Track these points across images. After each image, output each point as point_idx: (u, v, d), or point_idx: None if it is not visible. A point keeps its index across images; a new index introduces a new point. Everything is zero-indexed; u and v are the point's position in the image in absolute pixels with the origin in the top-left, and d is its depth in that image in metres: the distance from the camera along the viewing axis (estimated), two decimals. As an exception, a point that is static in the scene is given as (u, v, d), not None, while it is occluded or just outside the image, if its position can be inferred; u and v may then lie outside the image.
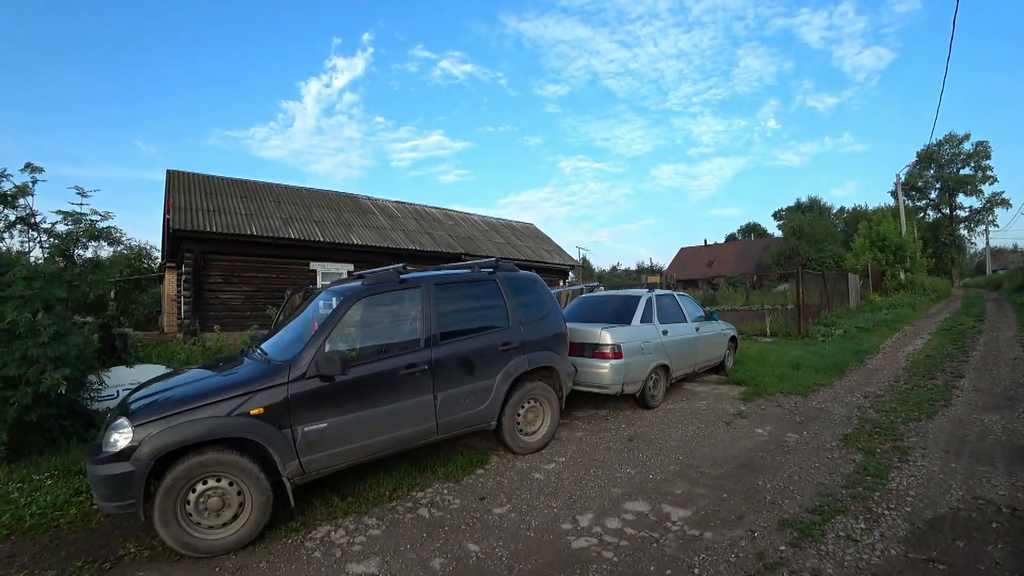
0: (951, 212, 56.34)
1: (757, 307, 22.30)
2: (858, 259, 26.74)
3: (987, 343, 10.46)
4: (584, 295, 7.74)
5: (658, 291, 7.30)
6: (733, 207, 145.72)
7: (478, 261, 5.36)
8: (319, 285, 11.69)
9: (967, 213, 56.29)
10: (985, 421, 5.65)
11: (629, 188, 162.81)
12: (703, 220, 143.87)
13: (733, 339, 8.90)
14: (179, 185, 18.53)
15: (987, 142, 52.71)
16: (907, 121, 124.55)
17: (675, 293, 7.67)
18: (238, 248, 16.40)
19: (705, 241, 57.22)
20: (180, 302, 16.37)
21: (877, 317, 15.00)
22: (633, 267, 58.66)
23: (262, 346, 4.51)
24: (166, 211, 16.71)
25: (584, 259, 62.87)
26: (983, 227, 56.71)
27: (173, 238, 16.08)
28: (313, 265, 17.85)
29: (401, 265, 4.85)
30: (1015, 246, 77.17)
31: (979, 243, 61.91)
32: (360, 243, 18.53)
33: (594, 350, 6.00)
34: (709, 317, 8.15)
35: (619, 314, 6.73)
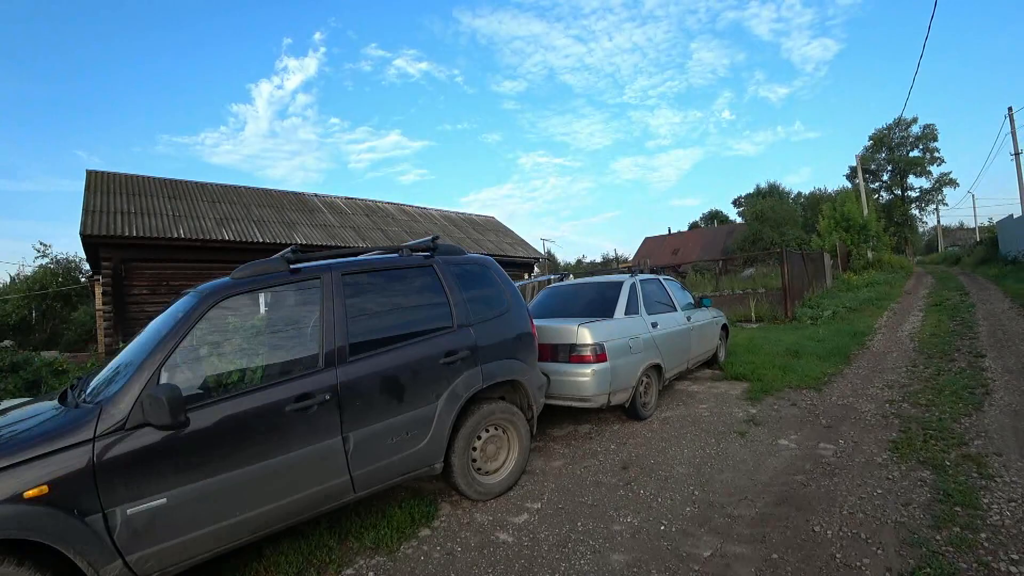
0: (903, 193, 57.73)
1: (728, 292, 21.59)
2: (825, 240, 26.41)
3: (986, 317, 9.68)
4: (553, 285, 6.47)
5: (641, 275, 6.08)
6: (693, 197, 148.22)
7: (410, 243, 4.01)
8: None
9: (918, 194, 57.87)
10: (1042, 411, 4.64)
11: (590, 182, 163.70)
12: (665, 211, 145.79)
13: (724, 327, 7.78)
14: (98, 186, 16.49)
15: (934, 125, 54.38)
16: (855, 108, 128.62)
17: (660, 277, 6.47)
18: (165, 254, 14.62)
19: (669, 230, 56.91)
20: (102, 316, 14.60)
21: (860, 296, 14.27)
22: (599, 259, 57.96)
23: (94, 379, 3.06)
24: (86, 216, 14.77)
25: (549, 253, 61.97)
26: (933, 206, 58.52)
27: (88, 245, 14.22)
28: (251, 270, 16.04)
29: (291, 248, 3.45)
30: (961, 224, 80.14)
31: (930, 222, 63.93)
32: (305, 243, 16.88)
33: (570, 353, 4.72)
34: (699, 304, 6.99)
35: (597, 306, 5.47)
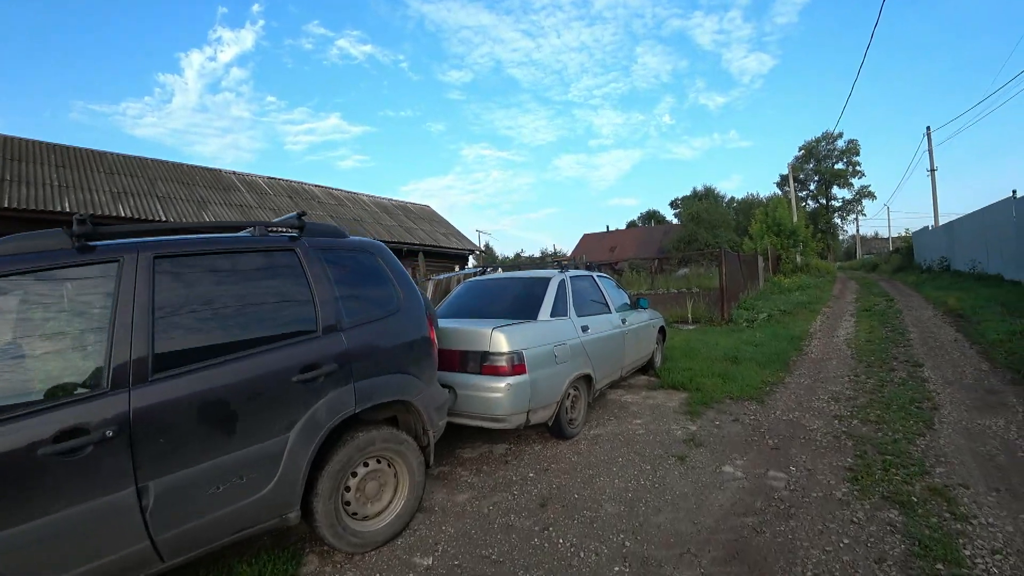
0: (827, 202, 61.05)
1: (664, 291, 21.51)
2: (757, 243, 27.00)
3: (915, 324, 9.67)
4: (472, 280, 5.62)
5: (573, 271, 5.33)
6: (632, 197, 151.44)
7: (271, 221, 3.05)
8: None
9: (840, 203, 61.32)
10: (993, 428, 4.28)
11: (532, 177, 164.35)
12: (604, 209, 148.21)
13: (662, 330, 7.21)
14: (-32, 151, 14.27)
15: (857, 140, 57.99)
16: (785, 121, 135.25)
17: (594, 274, 5.76)
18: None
19: (607, 227, 57.46)
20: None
21: (793, 299, 14.30)
22: (537, 254, 57.70)
23: None
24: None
25: (487, 245, 61.15)
26: (853, 216, 62.27)
27: (-54, 217, 12.10)
28: (151, 251, 14.35)
29: (83, 216, 2.42)
30: (876, 234, 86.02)
31: (849, 230, 68.00)
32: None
33: (482, 362, 3.89)
34: (636, 304, 6.35)
35: (520, 305, 4.67)
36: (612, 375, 5.33)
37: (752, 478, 3.59)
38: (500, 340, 3.84)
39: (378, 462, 3.07)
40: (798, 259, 27.17)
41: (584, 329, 4.71)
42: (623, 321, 5.62)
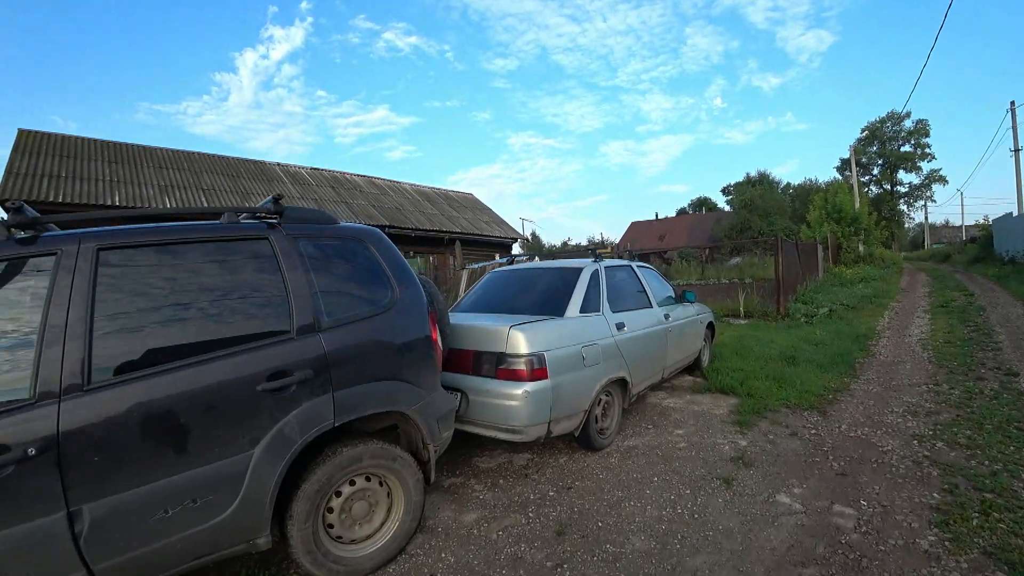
0: (892, 188, 57.15)
1: (714, 281, 20.45)
2: (815, 231, 25.38)
3: (1002, 323, 8.58)
4: (498, 270, 5.15)
5: (608, 261, 4.79)
6: (682, 184, 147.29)
7: (246, 207, 2.67)
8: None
9: (907, 189, 57.28)
10: (1119, 458, 3.49)
11: (579, 164, 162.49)
12: (653, 196, 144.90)
13: (711, 326, 6.56)
14: (28, 147, 14.86)
15: (926, 121, 53.72)
16: (845, 102, 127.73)
17: (634, 264, 5.18)
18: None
19: (656, 215, 55.74)
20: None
21: (856, 292, 13.14)
22: (584, 243, 56.68)
23: None
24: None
25: (533, 234, 60.54)
26: (922, 202, 58.08)
27: (8, 211, 12.59)
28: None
29: (18, 203, 2.10)
30: (947, 221, 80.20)
31: (917, 218, 63.57)
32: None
33: (498, 365, 3.43)
34: (682, 297, 5.74)
35: (546, 300, 4.17)
36: (652, 378, 4.78)
37: (813, 513, 3.00)
38: (518, 340, 3.37)
39: (367, 480, 2.68)
40: (860, 248, 25.40)
41: (619, 327, 4.18)
42: (666, 317, 5.04)
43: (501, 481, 3.65)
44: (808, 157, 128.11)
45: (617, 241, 51.84)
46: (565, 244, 58.11)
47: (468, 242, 20.75)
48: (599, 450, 4.01)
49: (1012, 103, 26.29)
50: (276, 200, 2.67)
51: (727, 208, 55.14)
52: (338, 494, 2.59)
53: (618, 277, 4.70)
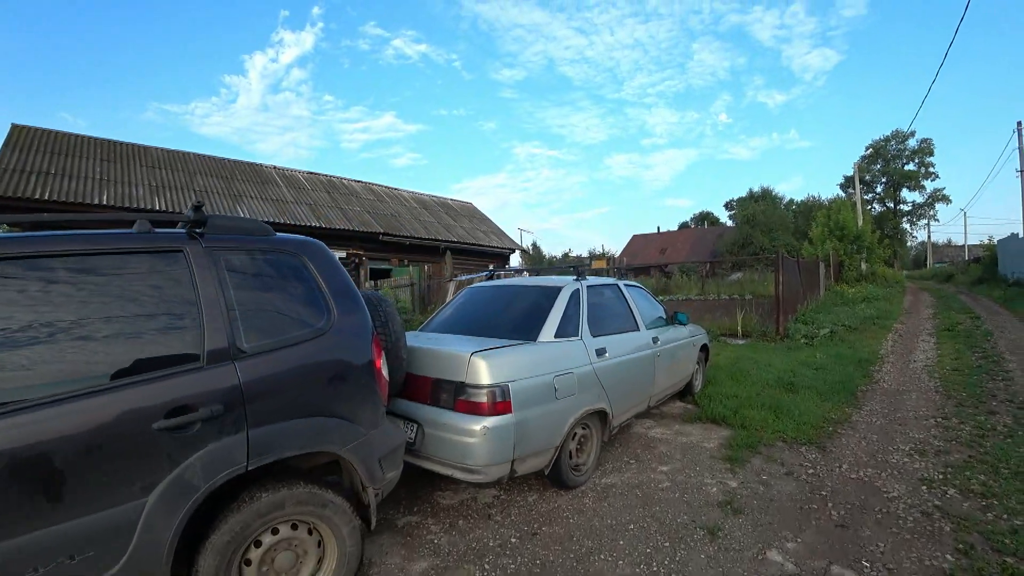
0: (895, 206, 56.87)
1: (714, 297, 20.07)
2: (817, 248, 25.02)
3: (1012, 350, 8.19)
4: (475, 286, 4.80)
5: (592, 279, 4.43)
6: (685, 198, 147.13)
7: (169, 213, 2.32)
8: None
9: (910, 208, 57.00)
10: None
11: (583, 176, 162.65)
12: (656, 210, 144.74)
13: (704, 348, 6.19)
14: (20, 142, 14.64)
15: (931, 139, 53.60)
16: (849, 121, 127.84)
17: (621, 283, 4.82)
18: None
19: (658, 228, 55.47)
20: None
21: (858, 312, 12.75)
22: (585, 254, 56.36)
23: None
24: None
25: (535, 244, 60.26)
26: (924, 221, 57.76)
27: (-4, 207, 12.42)
28: (186, 245, 14.40)
29: None
30: (950, 241, 79.73)
31: (919, 236, 63.24)
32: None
33: (456, 395, 3.06)
34: (673, 319, 5.37)
35: (520, 321, 3.81)
36: (636, 407, 4.41)
37: (808, 574, 2.62)
38: (480, 369, 3.01)
39: (294, 528, 2.31)
40: (863, 266, 25.04)
41: (600, 353, 3.81)
42: (654, 340, 4.68)
43: (461, 522, 3.27)
44: (812, 174, 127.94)
45: (619, 254, 51.48)
46: (566, 255, 57.86)
47: (464, 252, 20.44)
48: (573, 488, 3.63)
49: (1019, 123, 25.99)
50: (197, 208, 2.33)
51: (729, 223, 54.89)
52: (258, 544, 2.22)
53: (602, 297, 4.34)
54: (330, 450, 2.34)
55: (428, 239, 19.04)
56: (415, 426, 3.21)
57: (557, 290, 3.95)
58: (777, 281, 9.79)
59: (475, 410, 2.97)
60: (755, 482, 3.73)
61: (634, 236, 53.44)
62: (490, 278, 5.13)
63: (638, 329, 4.54)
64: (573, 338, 3.69)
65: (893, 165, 54.91)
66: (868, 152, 55.13)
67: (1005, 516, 3.12)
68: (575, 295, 3.96)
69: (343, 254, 17.27)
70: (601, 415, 3.82)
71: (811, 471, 3.91)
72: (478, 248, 20.99)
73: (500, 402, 2.96)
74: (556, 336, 3.58)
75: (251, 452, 2.09)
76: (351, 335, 2.50)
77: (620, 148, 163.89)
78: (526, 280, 4.65)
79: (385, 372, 2.73)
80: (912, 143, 53.64)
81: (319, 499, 2.33)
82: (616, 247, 66.48)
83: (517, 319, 3.85)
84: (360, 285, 16.44)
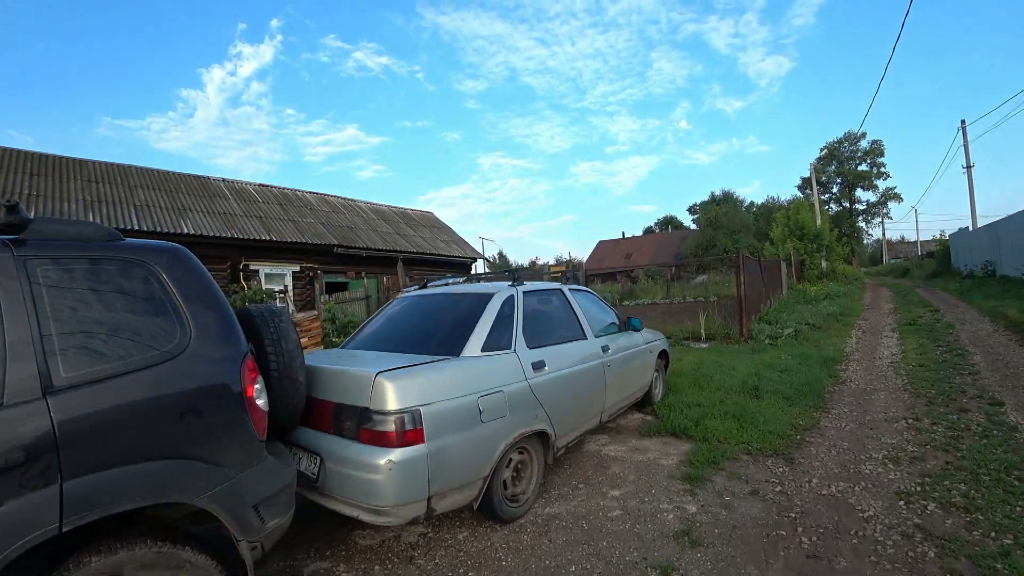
0: (851, 205, 58.54)
1: (680, 299, 19.95)
2: (779, 248, 25.27)
3: (974, 342, 8.07)
4: (405, 294, 4.30)
5: (529, 286, 3.96)
6: (649, 203, 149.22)
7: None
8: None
9: (864, 207, 58.76)
10: None
11: (549, 184, 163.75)
12: (621, 215, 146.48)
13: (663, 354, 5.79)
14: (-67, 158, 13.59)
15: (881, 141, 55.35)
16: (804, 124, 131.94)
17: (565, 288, 4.38)
18: None
19: (623, 234, 55.87)
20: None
21: (821, 309, 12.64)
22: (552, 261, 56.25)
23: None
24: None
25: (500, 253, 59.86)
26: (879, 219, 59.60)
27: None
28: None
29: None
30: (903, 237, 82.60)
31: (875, 234, 65.30)
32: (193, 232, 14.40)
33: (360, 423, 2.55)
34: (626, 325, 4.96)
35: (444, 334, 3.33)
36: (586, 424, 3.95)
37: (779, 627, 2.19)
38: (386, 391, 2.50)
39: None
40: (823, 264, 25.38)
41: (538, 366, 3.35)
42: (604, 349, 4.24)
43: (377, 567, 2.75)
44: (771, 177, 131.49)
45: (585, 260, 51.49)
46: (533, 263, 57.67)
47: (424, 262, 19.88)
48: (510, 521, 3.15)
49: (963, 122, 26.92)
50: (10, 209, 1.78)
51: (693, 226, 55.62)
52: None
53: (542, 304, 3.89)
54: (180, 499, 1.81)
55: (385, 250, 18.41)
56: (318, 459, 2.68)
57: (488, 297, 3.47)
58: (739, 282, 9.54)
59: (380, 440, 2.46)
60: (717, 505, 3.30)
61: (600, 242, 53.64)
62: (423, 287, 4.64)
63: (585, 338, 4.10)
64: (505, 351, 3.21)
65: (847, 166, 56.58)
66: (823, 153, 56.71)
67: (993, 534, 2.76)
68: (508, 302, 3.49)
69: (297, 268, 16.54)
70: (542, 437, 3.35)
71: (778, 488, 3.51)
72: (438, 258, 20.45)
73: (410, 430, 2.46)
74: (484, 350, 3.10)
75: (66, 509, 1.56)
76: (213, 358, 1.99)
77: (584, 156, 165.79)
78: (457, 288, 4.16)
79: (263, 401, 2.21)
80: (864, 144, 55.41)
81: (171, 560, 1.80)
82: (583, 254, 66.78)
83: (442, 332, 3.36)
84: (315, 300, 15.68)
